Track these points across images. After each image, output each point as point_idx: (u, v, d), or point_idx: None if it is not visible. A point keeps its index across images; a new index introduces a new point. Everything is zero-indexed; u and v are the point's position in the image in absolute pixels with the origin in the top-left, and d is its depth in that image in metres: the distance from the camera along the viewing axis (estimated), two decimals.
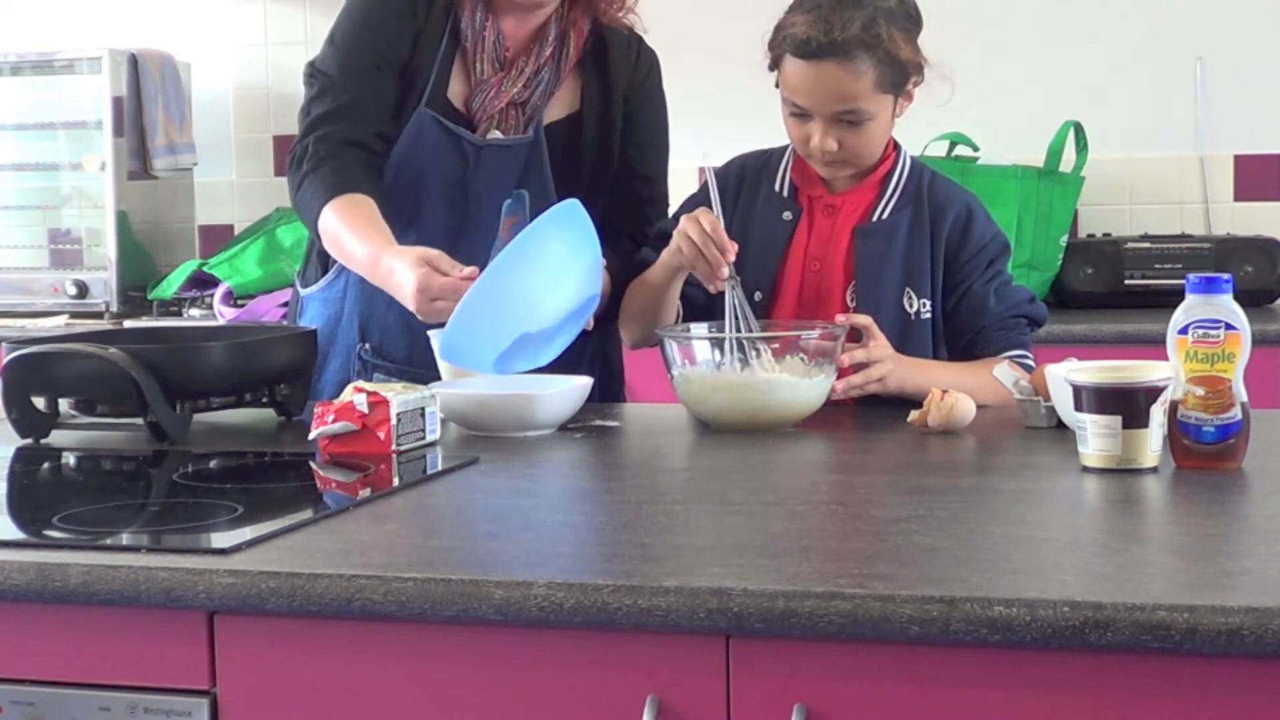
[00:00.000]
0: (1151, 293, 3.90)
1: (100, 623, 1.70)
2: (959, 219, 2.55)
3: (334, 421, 2.21)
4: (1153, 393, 1.99)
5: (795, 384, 2.36)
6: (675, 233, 2.45)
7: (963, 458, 2.22)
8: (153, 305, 4.39)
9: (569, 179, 2.68)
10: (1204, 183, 4.22)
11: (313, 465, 2.20)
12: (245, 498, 1.99)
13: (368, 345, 2.73)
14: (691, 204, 2.60)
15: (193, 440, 2.36)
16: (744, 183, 2.62)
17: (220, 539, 1.78)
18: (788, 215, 2.57)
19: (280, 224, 4.42)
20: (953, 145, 4.08)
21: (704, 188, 2.54)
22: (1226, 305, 2.02)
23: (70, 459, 2.33)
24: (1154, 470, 2.00)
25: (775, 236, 2.56)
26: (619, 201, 2.73)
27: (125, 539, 1.88)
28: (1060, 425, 2.27)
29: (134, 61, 4.42)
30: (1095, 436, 2.00)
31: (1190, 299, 2.03)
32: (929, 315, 2.53)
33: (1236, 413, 2.02)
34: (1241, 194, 4.21)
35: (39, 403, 2.40)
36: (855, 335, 2.43)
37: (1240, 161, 4.21)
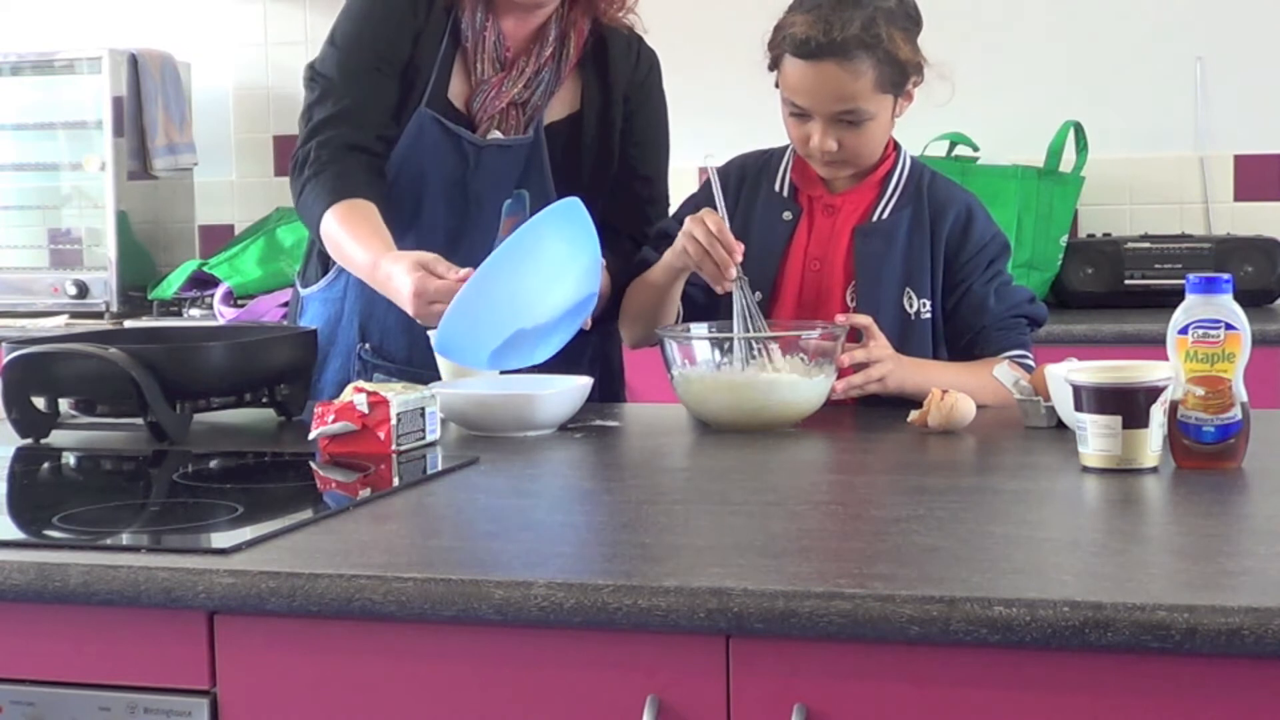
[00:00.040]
0: (1151, 293, 3.90)
1: (100, 623, 1.70)
2: (959, 219, 2.55)
3: (334, 421, 2.21)
4: (1153, 393, 1.99)
5: (795, 384, 2.36)
6: (680, 234, 2.45)
7: (963, 458, 2.22)
8: (153, 305, 4.39)
9: (569, 179, 2.68)
10: (1204, 183, 4.22)
11: (313, 465, 2.20)
12: (245, 498, 1.99)
13: (368, 345, 2.73)
14: (692, 204, 2.60)
15: (193, 440, 2.36)
16: (744, 183, 2.62)
17: (220, 539, 1.78)
18: (788, 215, 2.57)
19: (280, 224, 4.42)
20: (953, 145, 4.08)
21: (705, 187, 2.54)
22: (1226, 305, 2.02)
23: (70, 459, 2.33)
24: (1154, 470, 2.00)
25: (775, 236, 2.56)
26: (619, 201, 2.73)
27: (125, 539, 1.88)
28: (1060, 425, 2.27)
29: (134, 61, 4.42)
30: (1095, 436, 2.00)
31: (1190, 299, 2.03)
32: (929, 315, 2.53)
33: (1236, 413, 2.02)
34: (1241, 194, 4.21)
35: (39, 403, 2.40)
36: (855, 335, 2.43)
37: (1240, 161, 4.21)
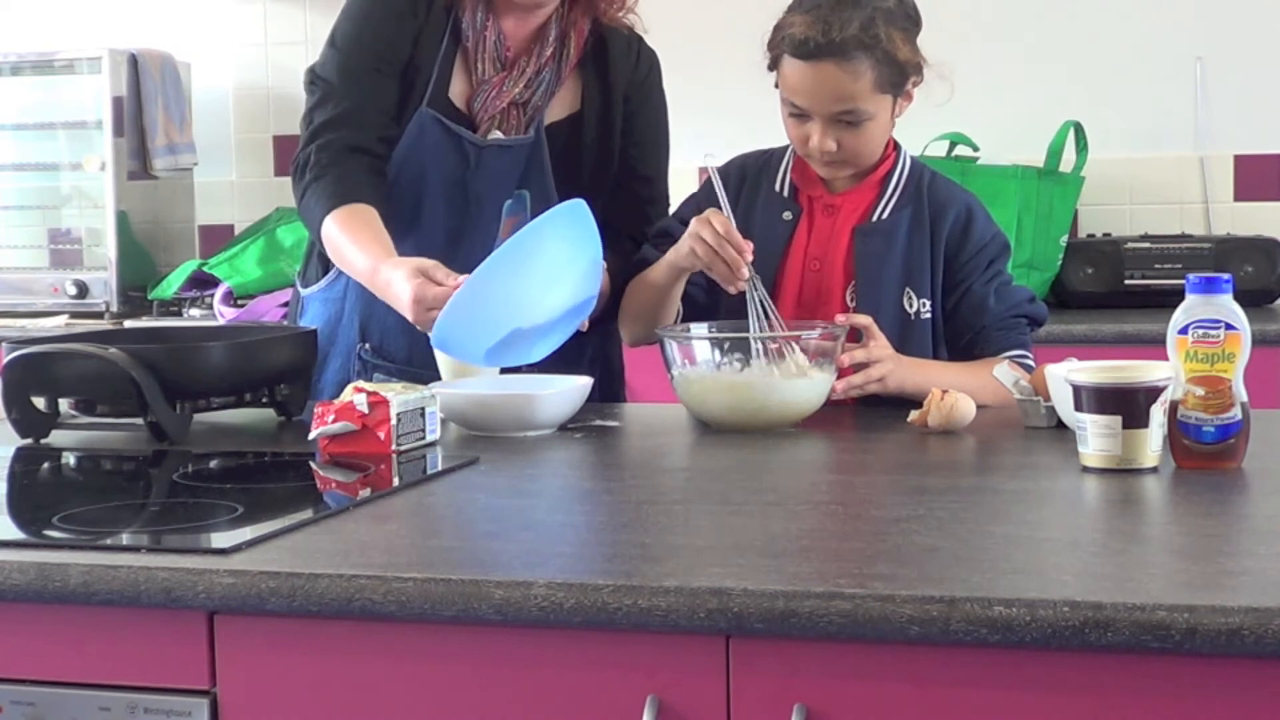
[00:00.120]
0: (1151, 293, 3.90)
1: (100, 623, 1.70)
2: (959, 219, 2.55)
3: (334, 421, 2.21)
4: (1153, 393, 1.99)
5: (795, 384, 2.36)
6: (685, 236, 2.44)
7: (963, 458, 2.22)
8: (153, 305, 4.39)
9: (569, 179, 2.68)
10: (1204, 183, 4.22)
11: (313, 465, 2.20)
12: (245, 498, 1.99)
13: (368, 345, 2.73)
14: (692, 203, 2.60)
15: (193, 440, 2.36)
16: (744, 183, 2.62)
17: (220, 539, 1.78)
18: (788, 215, 2.57)
19: (280, 224, 4.42)
20: (953, 145, 4.08)
21: (705, 187, 2.54)
22: (1226, 305, 2.02)
23: (70, 459, 2.33)
24: (1154, 470, 2.00)
25: (775, 236, 2.56)
26: (619, 201, 2.73)
27: (125, 539, 1.88)
28: (1060, 425, 2.27)
29: (134, 61, 4.42)
30: (1095, 436, 2.00)
31: (1190, 299, 2.03)
32: (929, 315, 2.53)
33: (1236, 413, 2.02)
34: (1241, 194, 4.21)
35: (39, 403, 2.40)
36: (855, 335, 2.43)
37: (1240, 161, 4.21)
